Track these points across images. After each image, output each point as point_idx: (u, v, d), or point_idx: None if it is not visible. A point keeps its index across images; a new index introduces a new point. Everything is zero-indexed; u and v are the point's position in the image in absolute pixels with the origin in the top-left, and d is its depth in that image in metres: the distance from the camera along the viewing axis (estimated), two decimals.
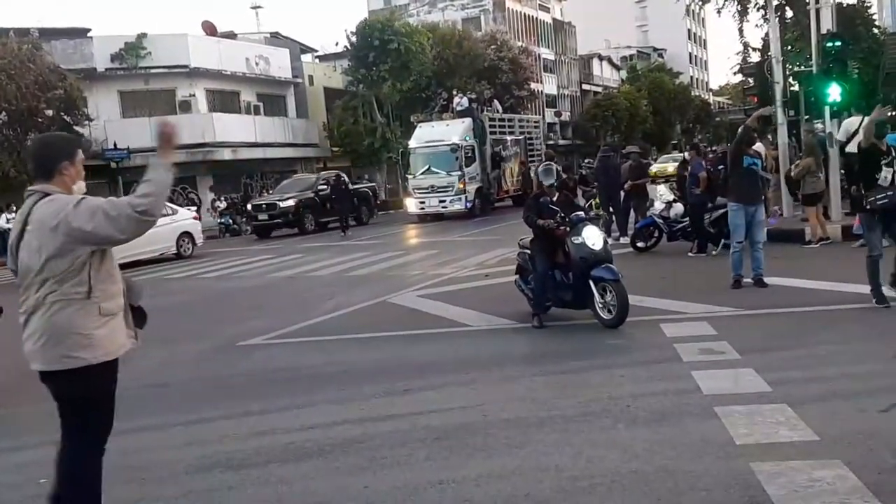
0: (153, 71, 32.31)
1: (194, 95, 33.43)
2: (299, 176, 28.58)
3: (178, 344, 8.86)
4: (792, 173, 13.41)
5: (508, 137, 29.88)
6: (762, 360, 5.98)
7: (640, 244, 13.35)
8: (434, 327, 8.56)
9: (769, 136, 16.72)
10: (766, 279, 9.24)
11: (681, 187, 14.94)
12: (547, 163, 9.42)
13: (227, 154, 32.92)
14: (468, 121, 27.07)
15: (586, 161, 23.10)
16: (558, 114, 62.18)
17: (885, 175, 7.49)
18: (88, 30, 34.04)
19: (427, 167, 26.19)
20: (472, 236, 19.72)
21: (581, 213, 8.06)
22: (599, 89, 68.31)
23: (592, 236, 7.80)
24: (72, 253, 3.23)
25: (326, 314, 9.91)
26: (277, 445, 5.07)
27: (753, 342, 6.62)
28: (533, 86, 49.42)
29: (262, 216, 25.86)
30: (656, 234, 13.29)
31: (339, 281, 13.32)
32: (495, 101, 32.37)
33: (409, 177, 27.30)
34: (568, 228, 7.88)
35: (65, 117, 26.80)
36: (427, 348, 7.68)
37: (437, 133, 26.90)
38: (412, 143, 27.34)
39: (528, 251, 8.40)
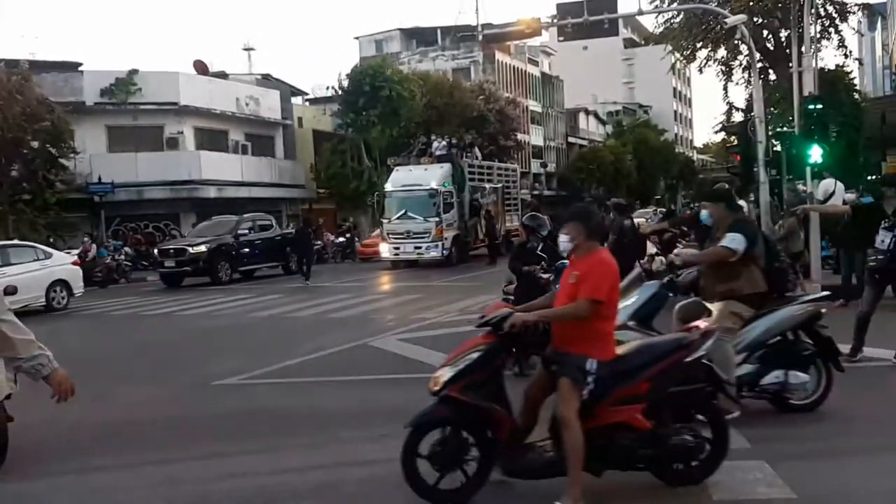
0: (142, 107, 32.40)
1: (182, 133, 33.52)
2: (220, 217, 25.53)
3: (153, 382, 8.74)
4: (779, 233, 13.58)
5: (487, 185, 29.25)
6: (742, 416, 5.95)
7: None
8: (414, 372, 8.48)
9: (751, 195, 16.98)
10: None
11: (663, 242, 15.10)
12: (532, 212, 9.54)
13: (212, 192, 32.89)
14: (447, 166, 26.14)
15: None
16: (544, 165, 62.87)
17: (883, 238, 7.70)
18: (80, 64, 34.21)
19: (403, 211, 25.08)
20: (452, 282, 19.72)
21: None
22: (585, 142, 69.26)
23: None
24: None
25: (305, 355, 9.82)
26: (250, 488, 4.97)
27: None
28: (520, 136, 50.03)
29: (170, 263, 22.36)
30: None
31: (318, 323, 13.24)
32: (475, 147, 31.65)
33: (384, 221, 25.95)
34: (552, 277, 7.84)
35: (50, 149, 26.76)
36: (407, 393, 7.57)
37: (415, 177, 25.78)
38: (388, 186, 26.25)
39: (512, 297, 8.38)
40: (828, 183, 13.88)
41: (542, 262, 7.99)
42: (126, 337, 13.16)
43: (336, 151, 38.23)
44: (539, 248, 8.25)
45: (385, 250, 25.57)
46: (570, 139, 69.59)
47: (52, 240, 25.61)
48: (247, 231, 23.65)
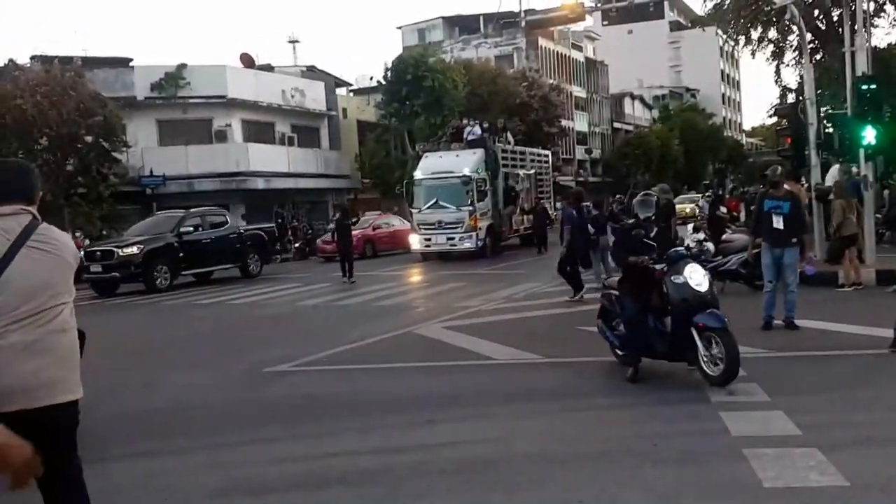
0: (191, 100, 32.95)
1: (230, 125, 34.01)
2: (164, 213, 22.25)
3: (204, 369, 8.93)
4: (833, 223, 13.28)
5: (520, 171, 27.59)
6: (792, 402, 5.86)
7: None
8: (459, 359, 8.53)
9: (803, 179, 16.58)
10: (797, 322, 9.10)
11: (711, 227, 14.87)
12: (646, 192, 8.43)
13: (260, 183, 33.35)
14: (480, 151, 24.57)
15: (616, 197, 22.61)
16: (589, 151, 62.27)
17: None
18: (130, 59, 34.93)
19: (434, 200, 23.64)
20: (498, 270, 19.67)
21: (681, 249, 7.13)
22: (631, 128, 68.37)
23: (696, 276, 6.67)
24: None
25: (352, 343, 9.92)
26: (299, 472, 5.06)
27: (784, 385, 6.50)
28: (564, 123, 49.60)
29: (96, 267, 18.56)
30: None
31: (365, 311, 13.35)
32: (507, 132, 29.57)
33: (414, 211, 24.43)
34: (665, 267, 6.81)
35: (103, 143, 27.39)
36: (451, 380, 7.64)
37: (447, 164, 24.25)
38: (418, 174, 24.55)
39: (615, 292, 7.32)
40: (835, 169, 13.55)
41: (654, 252, 6.95)
42: (176, 326, 13.45)
43: (380, 141, 38.38)
44: (651, 234, 7.18)
45: (415, 242, 24.30)
46: (616, 125, 68.77)
47: (104, 232, 26.30)
48: (192, 228, 20.21)
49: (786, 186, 15.48)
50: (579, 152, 60.63)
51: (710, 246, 12.85)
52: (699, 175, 68.25)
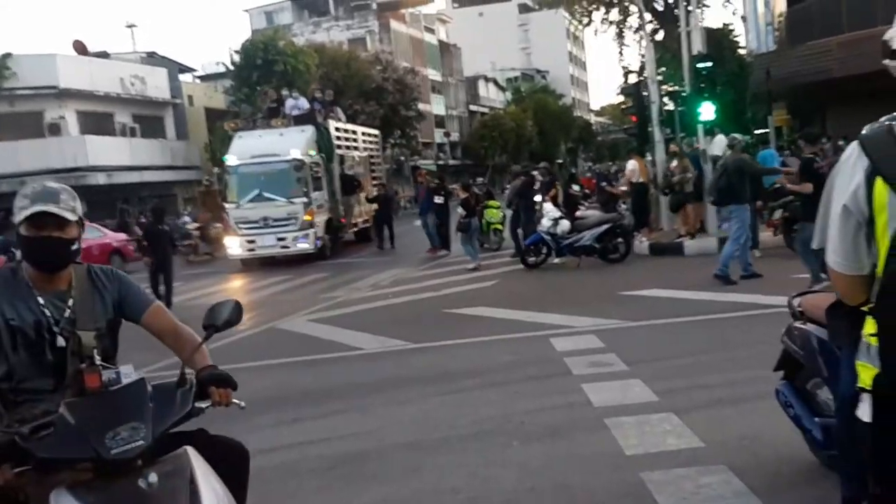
0: (19, 92, 30.49)
1: (64, 118, 31.77)
2: None
3: None
4: (675, 178, 14.11)
5: (355, 154, 23.47)
6: (649, 370, 6.11)
7: (530, 260, 13.58)
8: (326, 352, 8.34)
9: (648, 154, 17.42)
10: (645, 292, 9.68)
11: (566, 204, 15.40)
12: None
13: (101, 178, 31.37)
14: (310, 129, 20.14)
15: (479, 179, 22.67)
16: (447, 134, 62.93)
17: None
18: None
19: (257, 192, 18.71)
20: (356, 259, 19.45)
21: None
22: (486, 110, 69.66)
23: None
24: None
25: (211, 342, 9.46)
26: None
27: (640, 353, 6.77)
28: (421, 106, 49.79)
29: None
30: (545, 251, 13.56)
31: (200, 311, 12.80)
32: (337, 107, 24.73)
33: (230, 206, 19.14)
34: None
35: None
36: (318, 374, 7.46)
37: (269, 145, 19.30)
38: (231, 160, 19.37)
39: (816, 332, 3.55)
40: (721, 138, 14.42)
41: None
42: None
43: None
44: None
45: (234, 245, 19.03)
46: (472, 107, 69.84)
47: None
48: None
49: (630, 162, 16.37)
50: (438, 136, 61.13)
51: (565, 223, 13.44)
52: (553, 154, 70.67)
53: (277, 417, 5.92)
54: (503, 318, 9.17)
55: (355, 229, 22.78)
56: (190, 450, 2.33)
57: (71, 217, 2.49)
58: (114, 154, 32.51)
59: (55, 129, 31.44)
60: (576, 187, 17.89)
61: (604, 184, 20.37)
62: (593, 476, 4.20)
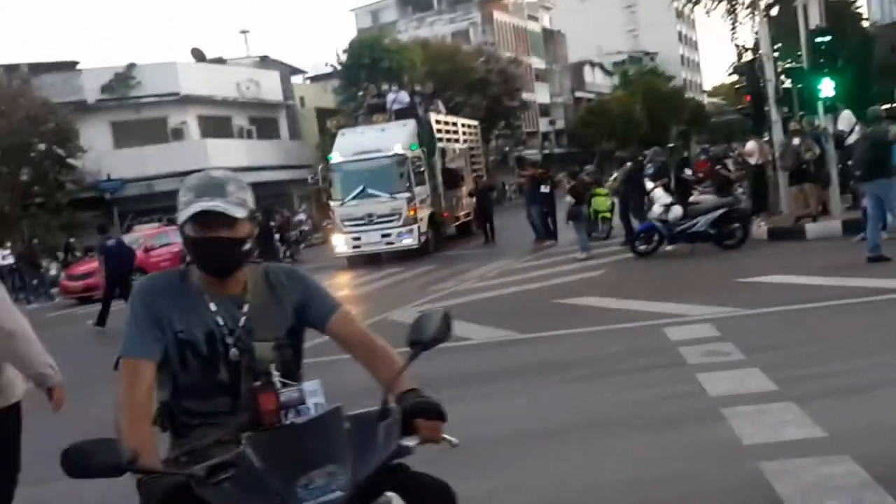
0: (144, 100, 32.36)
1: (186, 122, 33.48)
2: None
3: None
4: (807, 154, 13.36)
5: (456, 146, 23.22)
6: (768, 358, 5.87)
7: (641, 248, 13.29)
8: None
9: (765, 135, 16.68)
10: (764, 279, 9.23)
11: (679, 189, 14.94)
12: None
13: None
14: (411, 123, 20.11)
15: (586, 167, 22.19)
16: (552, 122, 62.27)
17: None
18: (77, 63, 34.21)
19: (361, 189, 18.75)
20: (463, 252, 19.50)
21: None
22: (593, 96, 68.47)
23: None
24: None
25: (317, 338, 9.78)
26: None
27: (758, 341, 6.51)
28: (525, 95, 49.51)
29: None
30: (656, 238, 13.23)
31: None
32: (438, 99, 24.56)
33: (335, 203, 19.37)
34: None
35: (57, 150, 26.85)
36: (427, 365, 7.48)
37: (371, 141, 19.40)
38: (336, 157, 19.43)
39: None
40: (848, 113, 13.67)
41: None
42: None
43: (341, 127, 37.97)
44: None
45: (340, 243, 19.24)
46: (577, 94, 68.79)
47: (72, 240, 25.83)
48: None
49: (750, 143, 15.70)
50: (543, 124, 60.62)
51: (677, 209, 13.05)
52: (663, 139, 68.70)
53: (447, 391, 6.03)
54: (613, 308, 9.01)
55: (457, 223, 22.64)
56: (396, 499, 1.98)
57: (240, 213, 2.08)
58: (232, 155, 33.96)
59: (178, 134, 33.19)
60: (688, 171, 17.33)
61: (718, 167, 19.64)
62: (708, 466, 4.09)
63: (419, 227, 18.82)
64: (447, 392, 6.36)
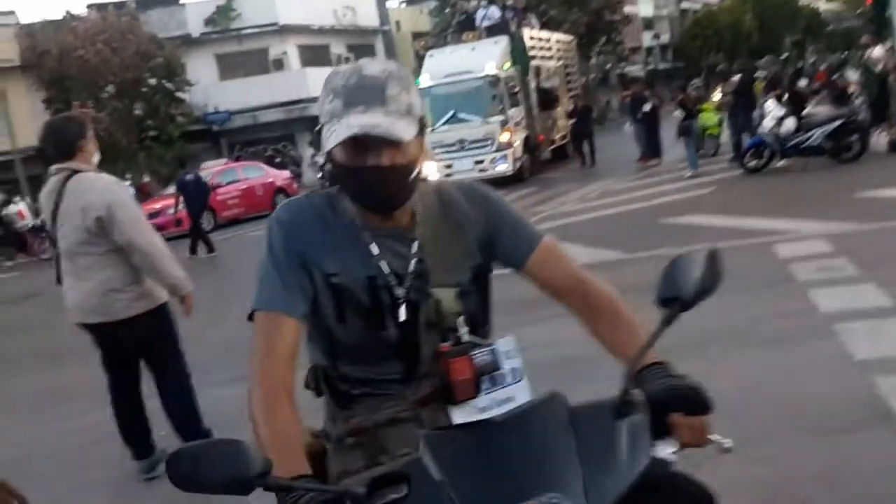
0: (245, 31, 32.95)
1: (286, 53, 33.94)
2: None
3: None
4: None
5: (550, 64, 21.70)
6: (884, 274, 5.62)
7: (751, 164, 12.77)
8: None
9: (889, 42, 15.49)
10: (882, 192, 8.75)
11: (793, 101, 14.17)
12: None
13: None
14: (503, 40, 18.77)
15: (694, 82, 21.15)
16: (656, 37, 59.63)
17: None
18: None
19: (452, 113, 17.75)
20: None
21: None
22: (699, 7, 64.93)
23: None
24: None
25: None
26: None
27: (875, 257, 6.23)
28: (627, 8, 47.44)
29: None
30: (767, 154, 12.67)
31: None
32: (530, 14, 22.78)
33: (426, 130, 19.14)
34: None
35: (167, 84, 27.84)
36: (529, 286, 7.62)
37: (461, 61, 18.23)
38: (425, 81, 18.00)
39: None
40: None
41: None
42: None
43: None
44: None
45: (432, 172, 16.70)
46: (683, 5, 65.40)
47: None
48: None
49: (877, 49, 14.65)
50: (646, 39, 58.16)
51: (790, 122, 12.40)
52: (776, 50, 64.73)
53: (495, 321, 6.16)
54: (722, 226, 8.75)
55: (552, 147, 21.55)
56: None
57: (408, 133, 1.48)
58: None
59: (279, 65, 33.74)
60: (803, 82, 16.38)
61: (836, 76, 18.46)
62: (820, 382, 4.01)
63: (514, 152, 17.88)
64: (555, 312, 6.44)
